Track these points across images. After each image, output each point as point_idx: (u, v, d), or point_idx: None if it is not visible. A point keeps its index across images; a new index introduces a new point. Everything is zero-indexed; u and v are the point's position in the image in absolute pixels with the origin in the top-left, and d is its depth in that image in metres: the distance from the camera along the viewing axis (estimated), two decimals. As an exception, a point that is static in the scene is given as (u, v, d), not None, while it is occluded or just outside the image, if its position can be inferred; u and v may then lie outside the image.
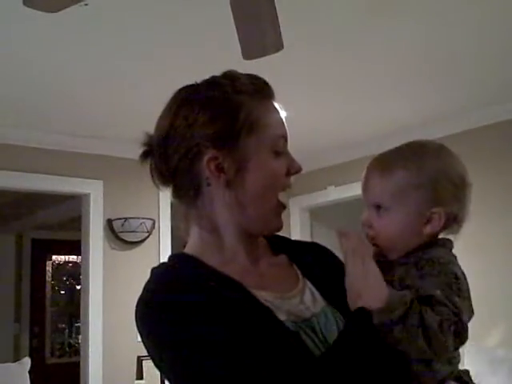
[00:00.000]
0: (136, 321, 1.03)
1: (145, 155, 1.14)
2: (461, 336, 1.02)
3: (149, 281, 1.06)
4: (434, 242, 1.13)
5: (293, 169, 1.14)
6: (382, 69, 3.56)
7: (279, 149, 1.12)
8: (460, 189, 1.13)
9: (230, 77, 1.13)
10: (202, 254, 1.10)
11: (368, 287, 1.03)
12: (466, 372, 1.12)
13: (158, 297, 1.01)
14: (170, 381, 1.04)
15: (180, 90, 1.15)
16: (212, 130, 1.07)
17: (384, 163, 1.16)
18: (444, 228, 1.13)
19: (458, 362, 1.10)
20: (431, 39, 3.17)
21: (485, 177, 4.26)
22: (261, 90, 1.13)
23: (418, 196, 1.11)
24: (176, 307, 0.98)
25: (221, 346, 0.94)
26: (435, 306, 1.01)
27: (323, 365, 0.97)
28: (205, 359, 0.94)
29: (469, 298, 1.07)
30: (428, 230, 1.11)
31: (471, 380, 1.11)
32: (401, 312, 0.99)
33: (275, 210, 1.13)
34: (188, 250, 1.14)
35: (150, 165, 1.14)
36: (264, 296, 1.05)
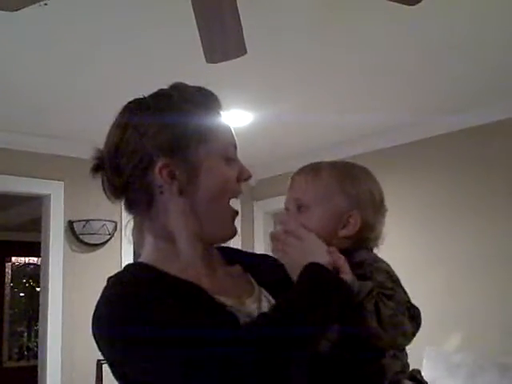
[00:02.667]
0: (93, 331, 1.02)
1: (95, 169, 1.15)
2: (416, 318, 1.10)
3: (104, 290, 1.04)
4: (356, 247, 1.18)
5: (243, 175, 1.16)
6: (348, 77, 3.59)
7: (230, 156, 1.14)
8: (379, 204, 1.22)
9: (178, 88, 1.16)
10: (158, 262, 1.10)
11: (310, 252, 1.07)
12: (418, 371, 1.16)
13: (114, 307, 1.00)
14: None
15: (128, 103, 1.17)
16: (163, 139, 1.09)
17: (315, 168, 1.23)
18: (359, 235, 1.18)
19: (406, 360, 1.14)
20: (386, 51, 3.21)
21: (426, 189, 4.34)
22: (208, 99, 1.16)
23: (339, 200, 1.18)
24: (134, 317, 0.96)
25: (181, 348, 0.93)
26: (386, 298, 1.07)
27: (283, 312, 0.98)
28: (163, 360, 0.93)
29: (402, 286, 1.14)
30: (343, 232, 1.17)
31: (423, 378, 1.15)
32: (359, 299, 1.05)
33: (228, 216, 1.15)
34: (144, 259, 1.13)
35: (102, 179, 1.15)
36: (224, 301, 1.05)
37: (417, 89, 3.82)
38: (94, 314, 1.02)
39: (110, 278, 1.07)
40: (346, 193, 1.18)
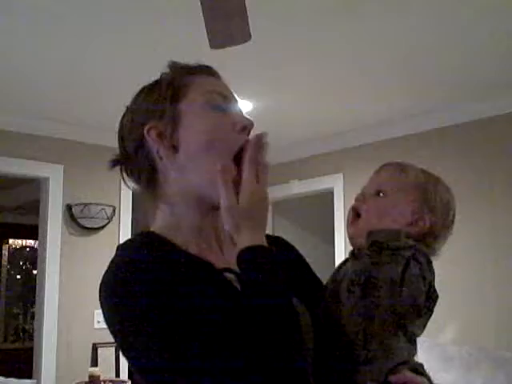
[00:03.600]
0: (100, 300, 1.01)
1: (112, 165, 1.17)
2: (432, 299, 1.11)
3: (114, 257, 1.04)
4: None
5: (239, 123, 1.10)
6: (348, 66, 3.58)
7: (216, 103, 1.10)
8: (450, 221, 1.26)
9: (170, 65, 1.17)
10: (166, 231, 1.09)
11: (254, 215, 1.02)
12: (421, 365, 1.16)
13: (125, 273, 0.99)
14: (133, 359, 1.00)
15: None
16: (147, 108, 1.12)
17: (404, 165, 1.28)
18: (420, 238, 1.19)
19: (414, 354, 1.13)
20: (396, 39, 3.20)
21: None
22: (196, 65, 1.16)
23: (416, 198, 1.22)
24: (143, 283, 0.96)
25: (190, 321, 0.92)
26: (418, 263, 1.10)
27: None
28: (173, 333, 0.92)
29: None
30: (408, 229, 1.19)
31: (425, 371, 1.15)
32: (402, 244, 1.11)
33: None
34: (153, 228, 1.13)
35: (121, 172, 1.16)
36: (227, 276, 1.03)
37: (424, 78, 3.80)
38: (101, 282, 1.01)
39: (118, 247, 1.07)
40: (426, 195, 1.22)
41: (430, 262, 1.14)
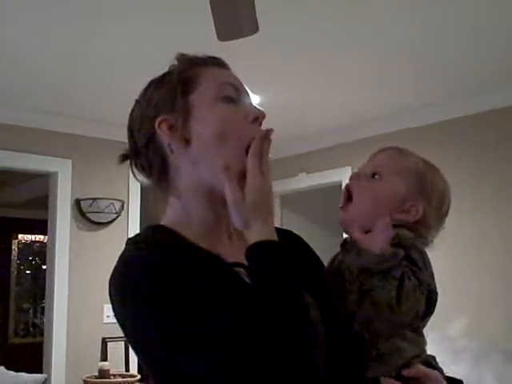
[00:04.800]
0: (110, 294, 1.01)
1: (122, 158, 1.16)
2: (432, 302, 1.08)
3: (124, 252, 1.04)
4: None
5: (250, 114, 1.09)
6: (355, 60, 3.56)
7: (228, 94, 1.10)
8: (444, 212, 1.22)
9: (179, 58, 1.16)
10: (177, 225, 1.09)
11: (262, 209, 1.01)
12: (433, 357, 1.15)
13: (134, 268, 0.99)
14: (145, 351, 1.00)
15: None
16: (158, 100, 1.10)
17: (404, 150, 1.24)
18: (412, 226, 1.16)
19: (424, 346, 1.13)
20: (404, 33, 3.18)
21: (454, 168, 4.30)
22: (203, 58, 1.15)
23: (412, 184, 1.18)
24: (152, 279, 0.95)
25: (198, 315, 0.92)
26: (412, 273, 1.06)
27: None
28: (181, 328, 0.92)
29: (431, 270, 1.12)
30: (400, 216, 1.16)
31: (437, 364, 1.14)
32: (389, 265, 1.04)
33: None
34: (164, 221, 1.12)
35: (131, 168, 1.15)
36: (238, 271, 1.03)
37: (431, 71, 3.78)
38: (111, 275, 1.01)
39: (128, 240, 1.07)
40: (422, 183, 1.18)
41: (425, 259, 1.11)
